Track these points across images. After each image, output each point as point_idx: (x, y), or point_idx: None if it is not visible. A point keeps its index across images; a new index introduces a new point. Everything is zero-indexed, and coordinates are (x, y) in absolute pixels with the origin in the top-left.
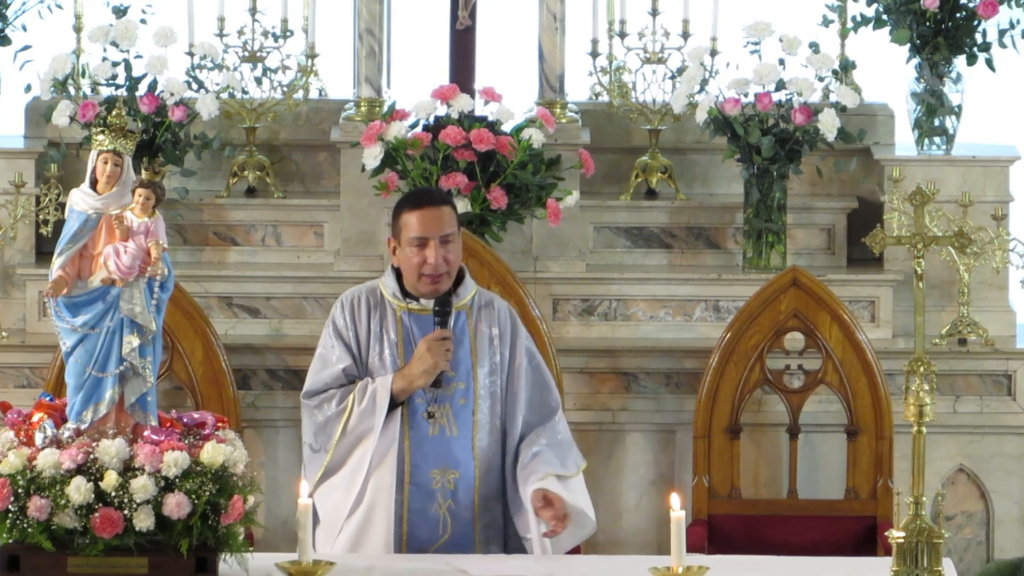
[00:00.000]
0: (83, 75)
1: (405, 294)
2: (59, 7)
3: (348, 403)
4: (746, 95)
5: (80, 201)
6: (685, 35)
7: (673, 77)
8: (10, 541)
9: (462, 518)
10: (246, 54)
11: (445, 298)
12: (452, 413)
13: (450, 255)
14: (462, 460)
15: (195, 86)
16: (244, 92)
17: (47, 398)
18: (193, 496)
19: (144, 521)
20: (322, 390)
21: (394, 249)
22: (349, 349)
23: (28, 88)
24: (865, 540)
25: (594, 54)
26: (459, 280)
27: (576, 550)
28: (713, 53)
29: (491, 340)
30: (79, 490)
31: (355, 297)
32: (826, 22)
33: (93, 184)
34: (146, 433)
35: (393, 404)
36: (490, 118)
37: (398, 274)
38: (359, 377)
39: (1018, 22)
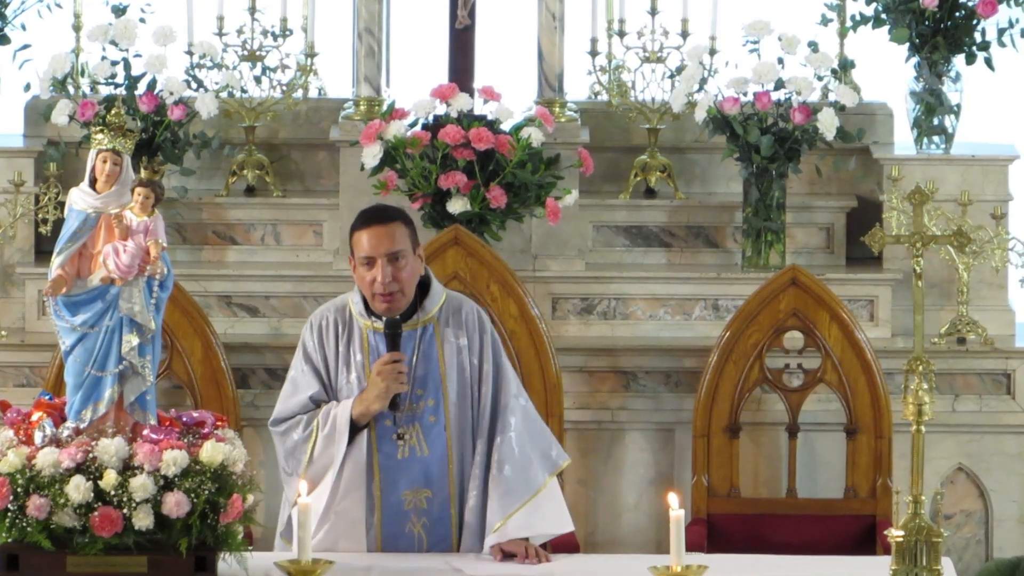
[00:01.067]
0: (82, 74)
1: (371, 312)
2: (58, 6)
3: (313, 429)
4: (745, 94)
5: (79, 200)
6: (684, 34)
7: (672, 76)
8: (9, 540)
9: (439, 533)
10: (245, 53)
11: (394, 320)
12: (422, 432)
13: (401, 273)
14: (435, 478)
15: (194, 85)
16: (243, 91)
17: (46, 397)
18: (192, 495)
19: (143, 520)
20: (288, 417)
21: (354, 267)
22: (317, 373)
23: (27, 87)
24: (864, 539)
25: (593, 53)
26: (427, 291)
27: (576, 549)
28: (712, 52)
29: (459, 350)
30: (78, 489)
31: (324, 318)
32: (825, 21)
33: (92, 183)
34: (145, 432)
35: (356, 428)
36: (489, 117)
37: None
38: (327, 401)
39: (1017, 21)
